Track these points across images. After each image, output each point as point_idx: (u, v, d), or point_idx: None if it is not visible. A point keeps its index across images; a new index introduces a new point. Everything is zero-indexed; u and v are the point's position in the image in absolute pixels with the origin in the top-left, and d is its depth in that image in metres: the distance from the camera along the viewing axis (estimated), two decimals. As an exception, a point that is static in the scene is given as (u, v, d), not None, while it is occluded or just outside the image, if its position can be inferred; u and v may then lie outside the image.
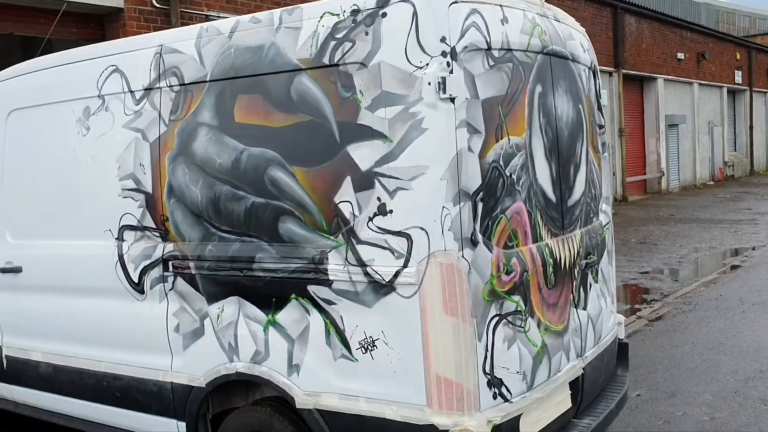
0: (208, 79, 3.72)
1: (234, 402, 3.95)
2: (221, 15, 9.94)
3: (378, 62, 3.18)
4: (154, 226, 3.98)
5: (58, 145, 4.43)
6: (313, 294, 3.44)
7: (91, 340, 4.34)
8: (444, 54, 3.09)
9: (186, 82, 3.81)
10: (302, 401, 3.49)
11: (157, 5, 9.54)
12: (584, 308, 4.01)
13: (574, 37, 4.13)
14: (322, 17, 3.36)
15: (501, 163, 3.33)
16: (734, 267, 11.02)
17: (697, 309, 8.46)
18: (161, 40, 3.98)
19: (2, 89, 4.80)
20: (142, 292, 4.05)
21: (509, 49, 3.42)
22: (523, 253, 3.44)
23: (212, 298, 3.79)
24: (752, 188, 25.42)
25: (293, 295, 3.50)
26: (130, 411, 4.24)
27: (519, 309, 3.38)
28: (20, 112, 4.68)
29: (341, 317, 3.38)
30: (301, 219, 3.45)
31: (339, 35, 3.30)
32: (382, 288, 3.24)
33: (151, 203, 3.97)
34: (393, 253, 3.20)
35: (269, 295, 3.58)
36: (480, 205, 3.20)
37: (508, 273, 3.31)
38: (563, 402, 3.77)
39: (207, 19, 9.41)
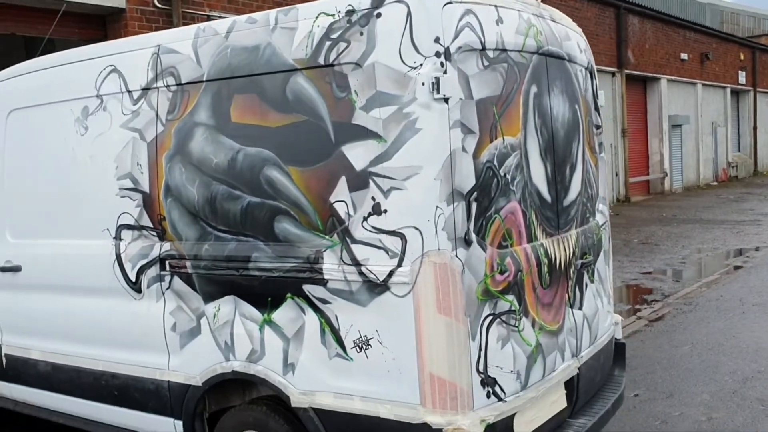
0: (204, 79, 3.74)
1: (230, 401, 3.97)
2: (223, 15, 9.95)
3: (372, 62, 3.20)
4: (151, 225, 4.00)
5: (58, 145, 4.45)
6: (308, 293, 3.46)
7: (90, 339, 4.36)
8: (438, 54, 3.10)
9: (183, 82, 3.83)
10: (297, 400, 3.50)
11: (159, 5, 9.57)
12: (580, 308, 4.01)
13: (571, 38, 4.13)
14: (317, 17, 3.38)
15: (495, 163, 3.34)
16: (736, 268, 11.01)
17: (698, 309, 8.46)
18: (159, 41, 4.00)
19: (2, 89, 4.83)
20: (139, 291, 4.07)
21: (504, 50, 3.43)
22: (518, 253, 3.45)
23: (209, 297, 3.80)
24: (756, 189, 25.36)
25: (289, 295, 3.52)
26: (128, 409, 4.26)
27: (513, 308, 3.39)
28: (20, 112, 4.71)
29: (336, 316, 3.40)
30: (297, 218, 3.47)
31: (334, 35, 3.31)
32: (377, 287, 3.25)
33: (148, 203, 3.99)
34: (387, 253, 3.22)
35: (265, 295, 3.59)
36: (474, 205, 3.21)
37: (502, 272, 3.32)
38: (558, 402, 3.78)
39: (209, 19, 9.41)
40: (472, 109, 3.21)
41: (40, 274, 4.62)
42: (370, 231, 3.25)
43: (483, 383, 3.24)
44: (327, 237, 3.38)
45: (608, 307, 4.49)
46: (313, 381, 3.47)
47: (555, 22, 3.98)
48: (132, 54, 4.09)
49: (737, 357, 6.54)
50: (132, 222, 4.07)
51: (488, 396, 3.26)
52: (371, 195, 3.24)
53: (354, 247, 3.30)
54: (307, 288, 3.45)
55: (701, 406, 5.44)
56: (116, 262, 4.14)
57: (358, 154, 3.26)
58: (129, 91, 4.06)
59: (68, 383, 4.53)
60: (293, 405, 3.52)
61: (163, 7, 9.62)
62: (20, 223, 4.74)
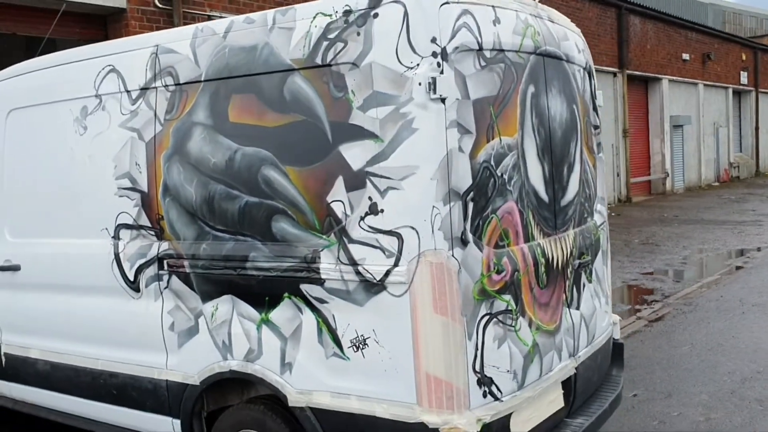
0: (202, 78, 3.75)
1: (228, 400, 3.98)
2: (223, 15, 9.94)
3: (369, 62, 3.20)
4: (149, 224, 4.01)
5: (57, 145, 4.47)
6: (305, 293, 3.47)
7: (88, 338, 4.37)
8: (434, 54, 3.11)
9: (181, 81, 3.84)
10: (294, 399, 3.51)
11: (160, 5, 9.57)
12: (577, 308, 4.02)
13: (569, 38, 4.14)
14: (314, 18, 3.38)
15: (492, 163, 3.35)
16: (737, 268, 11.00)
17: (698, 310, 8.45)
18: (157, 40, 4.01)
19: (2, 89, 4.84)
20: (137, 290, 4.08)
21: (501, 50, 3.44)
22: (515, 253, 3.46)
23: (206, 297, 3.81)
24: (757, 189, 25.33)
25: (286, 294, 3.52)
26: (127, 408, 4.26)
27: (510, 308, 3.39)
28: (20, 112, 4.72)
29: (333, 316, 3.40)
30: (294, 218, 3.48)
31: (331, 35, 3.32)
32: (374, 287, 3.26)
33: (146, 202, 4.00)
34: (384, 252, 3.22)
35: (262, 294, 3.60)
36: (470, 205, 3.21)
37: (498, 272, 3.32)
38: (555, 401, 3.78)
39: (209, 19, 9.40)
40: (468, 109, 3.22)
41: (39, 273, 4.63)
42: (367, 231, 3.26)
43: (479, 383, 3.24)
44: (324, 237, 3.39)
45: (606, 307, 4.49)
46: (311, 380, 3.48)
47: (553, 22, 3.98)
48: (130, 54, 4.10)
49: (736, 357, 6.54)
50: (130, 221, 4.08)
51: (485, 395, 3.26)
52: (368, 195, 3.25)
53: (351, 247, 3.31)
54: (305, 287, 3.46)
55: (700, 406, 5.44)
56: (115, 261, 4.15)
57: (355, 154, 3.27)
58: (127, 91, 4.07)
59: (67, 382, 4.54)
60: (290, 404, 3.53)
61: (164, 7, 9.62)
62: (19, 223, 4.75)
